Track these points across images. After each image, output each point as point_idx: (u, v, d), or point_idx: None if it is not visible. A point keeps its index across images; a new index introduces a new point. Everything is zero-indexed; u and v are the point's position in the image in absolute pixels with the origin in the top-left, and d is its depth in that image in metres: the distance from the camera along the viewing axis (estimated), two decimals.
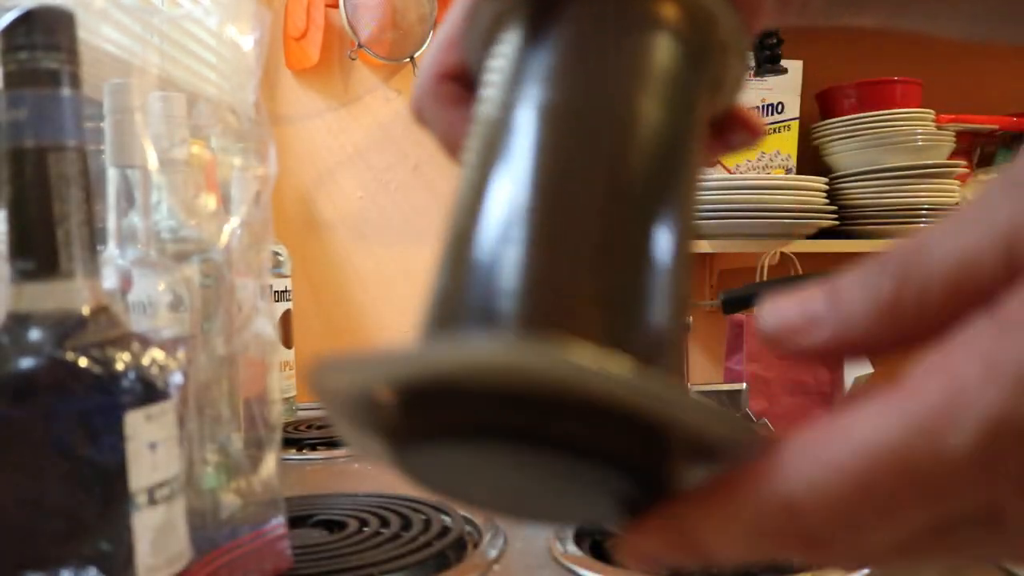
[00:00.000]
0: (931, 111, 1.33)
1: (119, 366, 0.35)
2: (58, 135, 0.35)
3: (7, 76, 0.35)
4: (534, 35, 0.24)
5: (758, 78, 1.29)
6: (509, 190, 0.22)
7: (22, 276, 0.36)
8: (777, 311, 0.20)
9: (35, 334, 0.35)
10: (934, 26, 0.38)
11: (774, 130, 1.33)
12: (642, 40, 0.24)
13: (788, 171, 1.33)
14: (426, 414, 0.20)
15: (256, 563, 0.50)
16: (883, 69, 1.38)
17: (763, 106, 1.32)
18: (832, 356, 0.20)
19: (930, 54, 1.49)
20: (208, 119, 0.56)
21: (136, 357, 0.36)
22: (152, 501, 0.36)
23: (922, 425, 0.17)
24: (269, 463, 0.52)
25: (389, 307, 1.41)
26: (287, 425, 1.05)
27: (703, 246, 1.24)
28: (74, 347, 0.35)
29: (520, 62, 0.24)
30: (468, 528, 0.64)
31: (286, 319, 1.11)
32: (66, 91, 0.36)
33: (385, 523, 0.64)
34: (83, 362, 0.34)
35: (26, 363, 0.34)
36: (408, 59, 1.37)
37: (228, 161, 0.58)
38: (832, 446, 0.17)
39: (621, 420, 0.18)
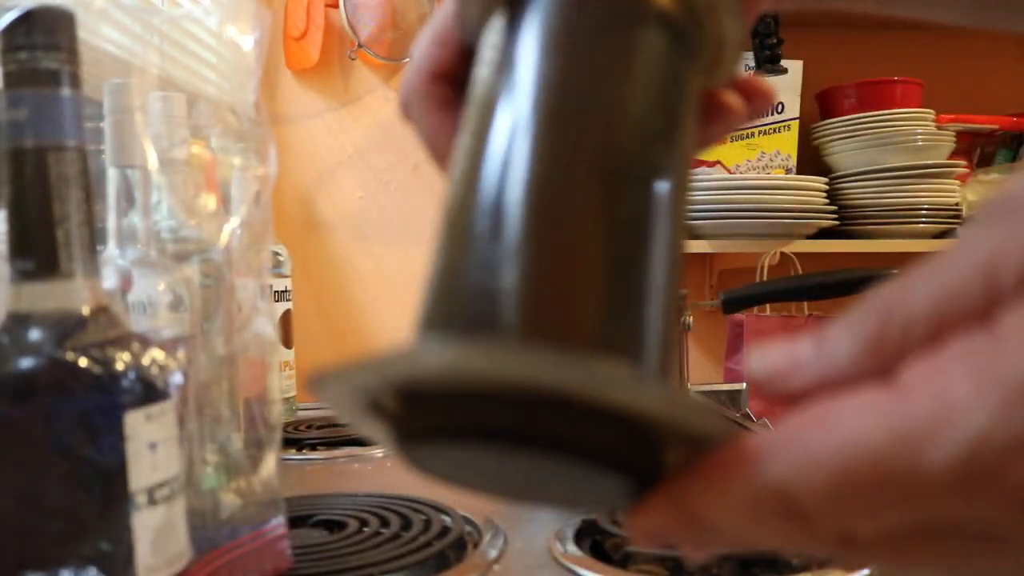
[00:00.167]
0: (931, 111, 1.33)
1: (119, 366, 0.35)
2: (58, 135, 0.35)
3: (7, 76, 0.35)
4: (520, 23, 0.24)
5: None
6: (502, 190, 0.22)
7: (22, 276, 0.36)
8: (765, 358, 0.21)
9: (35, 334, 0.35)
10: (929, 13, 0.38)
11: (774, 130, 1.33)
12: (630, 23, 0.24)
13: (788, 171, 1.33)
14: (425, 415, 0.20)
15: (256, 563, 0.50)
16: (883, 69, 1.38)
17: None
18: (817, 399, 0.20)
19: (930, 54, 1.49)
20: (208, 119, 0.56)
21: (136, 357, 0.36)
22: (152, 501, 0.36)
23: (905, 434, 0.17)
24: (269, 463, 0.52)
25: (389, 307, 1.41)
26: (287, 425, 1.05)
27: (703, 246, 1.24)
28: (74, 347, 0.35)
29: (508, 56, 0.24)
30: (468, 528, 0.64)
31: (286, 319, 1.11)
32: (66, 91, 0.35)
33: (385, 523, 0.64)
34: (83, 362, 0.34)
35: (26, 363, 0.34)
36: (408, 59, 1.36)
37: (228, 161, 0.58)
38: (819, 436, 0.18)
39: (617, 420, 0.19)
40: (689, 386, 1.17)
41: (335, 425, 1.07)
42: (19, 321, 0.35)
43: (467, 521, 0.65)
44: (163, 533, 0.36)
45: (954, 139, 1.35)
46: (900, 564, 0.20)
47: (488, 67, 0.24)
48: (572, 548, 0.59)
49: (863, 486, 0.17)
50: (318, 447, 0.97)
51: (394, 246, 1.42)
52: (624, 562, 0.58)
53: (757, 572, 0.55)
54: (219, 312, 0.51)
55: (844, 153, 1.35)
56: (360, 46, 1.34)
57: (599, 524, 0.62)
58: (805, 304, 1.27)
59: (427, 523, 0.64)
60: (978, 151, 1.47)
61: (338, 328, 1.41)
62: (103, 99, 0.48)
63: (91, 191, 0.37)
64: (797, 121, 1.33)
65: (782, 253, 1.26)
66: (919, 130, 1.31)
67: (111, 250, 0.49)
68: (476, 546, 0.61)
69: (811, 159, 1.38)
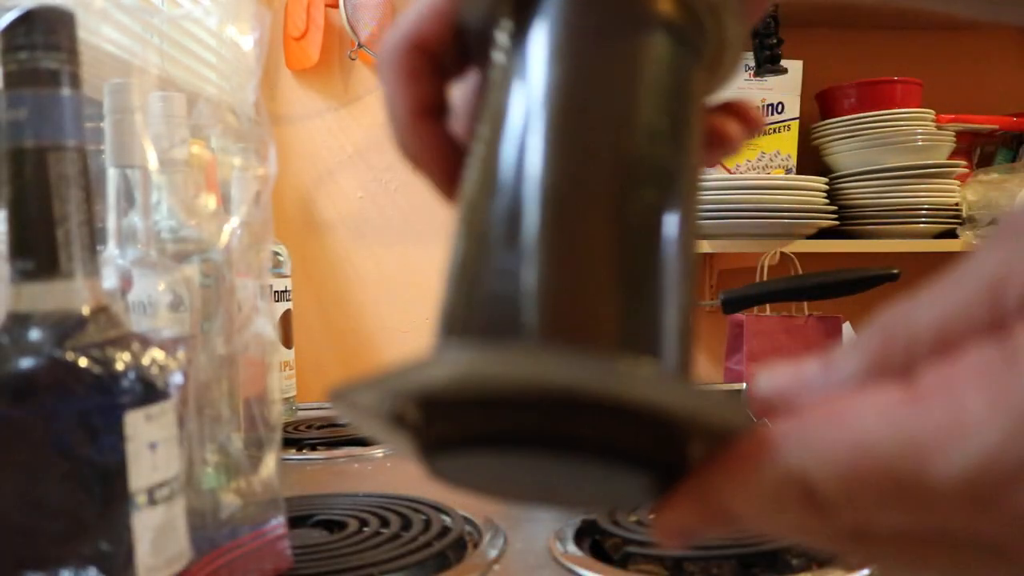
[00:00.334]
0: (931, 111, 1.33)
1: (119, 366, 0.35)
2: (58, 135, 0.35)
3: (7, 76, 0.35)
4: (528, 28, 0.24)
5: (758, 78, 1.29)
6: (517, 196, 0.22)
7: (22, 276, 0.36)
8: (772, 378, 0.21)
9: (35, 334, 0.35)
10: (937, 4, 0.38)
11: (774, 130, 1.33)
12: (635, 29, 0.24)
13: (788, 171, 1.33)
14: (448, 423, 0.20)
15: (256, 563, 0.50)
16: (883, 69, 1.38)
17: (763, 106, 1.32)
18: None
19: (930, 54, 1.49)
20: (208, 119, 0.56)
21: (136, 357, 0.36)
22: (152, 501, 0.36)
23: (915, 442, 0.17)
24: (269, 463, 0.52)
25: (389, 307, 1.41)
26: (287, 425, 1.05)
27: (703, 246, 1.24)
28: (74, 347, 0.35)
29: (517, 63, 0.24)
30: (468, 528, 0.64)
31: (286, 319, 1.11)
32: (66, 91, 0.35)
33: (385, 523, 0.64)
34: (83, 362, 0.34)
35: (26, 363, 0.34)
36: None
37: (228, 161, 0.58)
38: (835, 429, 0.18)
39: (641, 418, 0.19)
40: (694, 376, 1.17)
41: (335, 425, 1.07)
42: (19, 321, 0.35)
43: (467, 521, 0.65)
44: (163, 533, 0.36)
45: (954, 139, 1.35)
46: (912, 567, 0.20)
47: (499, 73, 0.24)
48: (572, 548, 0.59)
49: (872, 484, 0.18)
50: (318, 447, 0.97)
51: (394, 246, 1.42)
52: (624, 562, 0.58)
53: (757, 572, 0.55)
54: (219, 312, 0.51)
55: (844, 153, 1.35)
56: (360, 46, 1.34)
57: (599, 524, 0.62)
58: (805, 304, 1.27)
59: (427, 523, 0.64)
60: (978, 151, 1.47)
61: (338, 328, 1.41)
62: (103, 99, 0.48)
63: (91, 191, 0.37)
64: (797, 121, 1.33)
65: (782, 253, 1.26)
66: (919, 130, 1.31)
67: (111, 250, 0.49)
68: (476, 546, 0.61)
69: (811, 159, 1.38)
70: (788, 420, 0.19)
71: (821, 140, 1.38)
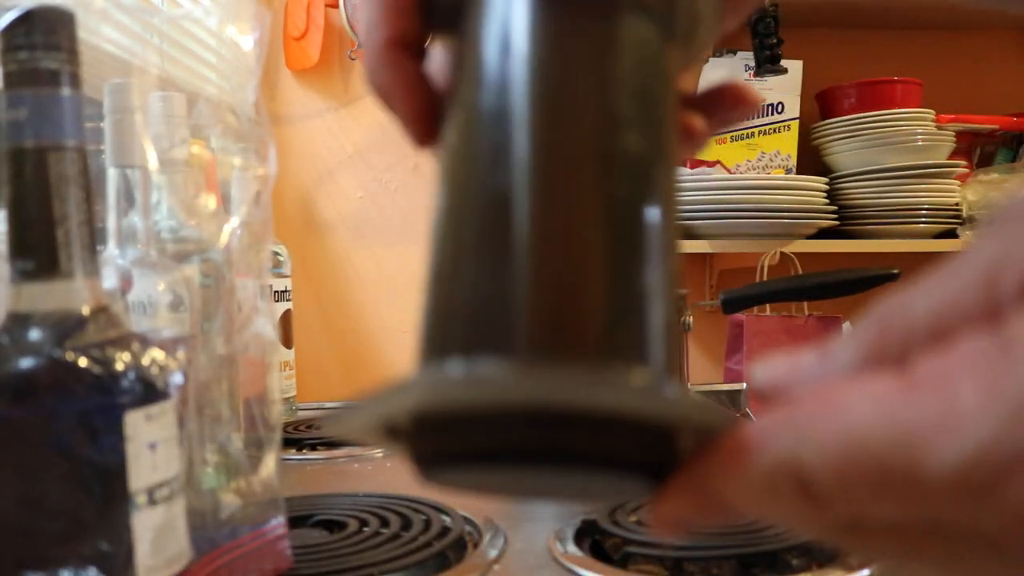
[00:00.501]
0: (931, 111, 1.33)
1: (119, 366, 0.35)
2: (58, 135, 0.35)
3: (7, 76, 0.35)
4: (494, 17, 0.23)
5: (758, 78, 1.29)
6: (496, 205, 0.21)
7: (22, 276, 0.35)
8: (769, 369, 0.21)
9: (35, 334, 0.35)
10: None
11: (774, 130, 1.33)
12: (606, 14, 0.23)
13: (788, 171, 1.33)
14: (436, 440, 0.21)
15: (256, 563, 0.50)
16: (883, 69, 1.38)
17: (763, 106, 1.32)
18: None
19: (930, 54, 1.49)
20: (208, 119, 0.56)
21: (136, 357, 0.36)
22: (152, 501, 0.36)
23: (908, 434, 0.17)
24: (269, 463, 0.52)
25: (389, 307, 1.41)
26: (287, 425, 1.05)
27: (703, 246, 1.24)
28: (74, 347, 0.35)
29: (485, 58, 0.23)
30: (468, 528, 0.64)
31: (286, 319, 1.11)
32: (66, 91, 0.35)
33: (385, 523, 0.64)
34: (83, 362, 0.34)
35: (26, 363, 0.34)
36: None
37: (228, 161, 0.58)
38: (827, 417, 0.18)
39: (630, 425, 0.19)
40: (689, 386, 1.17)
41: None
42: (19, 321, 0.35)
43: (467, 521, 0.65)
44: (163, 533, 0.36)
45: (954, 139, 1.35)
46: (907, 559, 0.20)
47: (467, 68, 0.24)
48: (572, 548, 0.59)
49: (865, 475, 0.18)
50: (318, 447, 0.97)
51: (394, 246, 1.41)
52: (624, 562, 0.58)
53: (757, 572, 0.55)
54: (219, 312, 0.51)
55: (844, 153, 1.35)
56: (360, 46, 1.34)
57: (599, 524, 0.62)
58: (805, 304, 1.27)
59: (427, 523, 0.64)
60: (978, 151, 1.47)
61: (338, 328, 1.41)
62: (103, 99, 0.48)
63: (91, 191, 0.37)
64: (797, 121, 1.33)
65: (782, 253, 1.26)
66: (919, 130, 1.31)
67: (111, 250, 0.49)
68: (476, 546, 0.61)
69: (811, 159, 1.38)
70: (781, 410, 0.19)
71: (821, 140, 1.38)
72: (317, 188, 1.41)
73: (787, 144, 1.34)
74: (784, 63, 1.24)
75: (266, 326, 0.53)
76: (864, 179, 1.32)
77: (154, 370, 0.37)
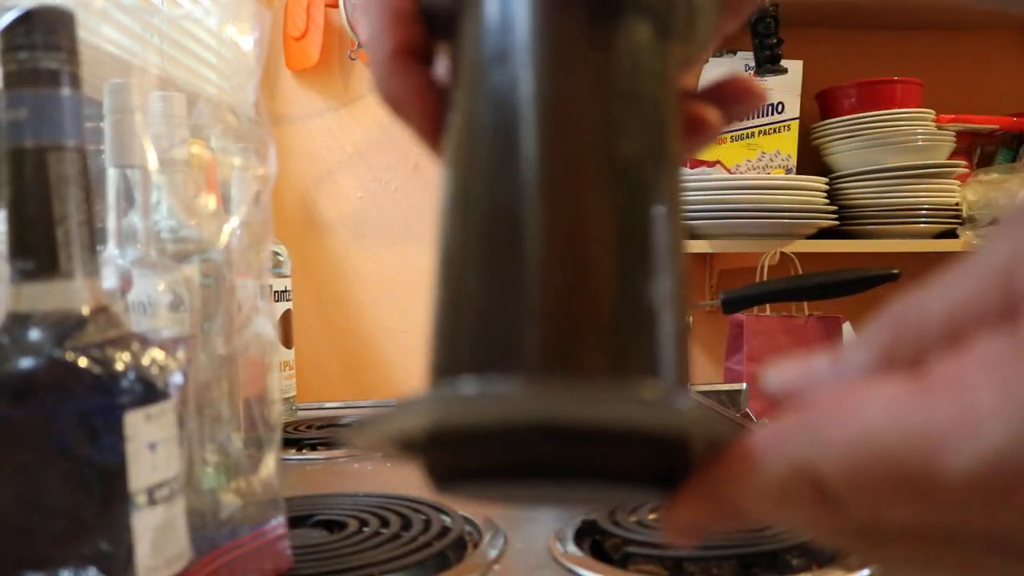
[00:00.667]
0: (931, 111, 1.33)
1: (119, 366, 0.35)
2: (58, 135, 0.35)
3: (7, 76, 0.35)
4: (493, 22, 0.23)
5: (758, 78, 1.29)
6: (503, 222, 0.21)
7: (22, 276, 0.35)
8: (780, 373, 0.21)
9: (35, 334, 0.35)
10: None
11: (774, 130, 1.33)
12: (606, 17, 0.23)
13: (788, 171, 1.33)
14: (455, 454, 0.21)
15: (256, 563, 0.50)
16: (883, 69, 1.38)
17: (763, 106, 1.32)
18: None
19: (930, 54, 1.49)
20: (208, 119, 0.56)
21: (136, 357, 0.36)
22: (152, 501, 0.36)
23: (923, 436, 0.17)
24: (269, 463, 0.52)
25: (389, 307, 1.41)
26: (287, 425, 1.05)
27: (703, 246, 1.24)
28: (74, 347, 0.35)
29: (486, 66, 0.23)
30: (468, 528, 0.64)
31: (286, 319, 1.11)
32: (66, 91, 0.35)
33: (385, 523, 0.64)
34: (83, 362, 0.34)
35: (26, 363, 0.34)
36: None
37: (228, 161, 0.58)
38: (841, 420, 0.18)
39: (644, 439, 0.19)
40: (690, 387, 1.17)
41: (335, 425, 1.07)
42: (19, 321, 0.35)
43: (467, 521, 0.65)
44: (163, 533, 0.36)
45: (954, 139, 1.35)
46: (922, 567, 0.20)
47: (463, 78, 0.24)
48: (572, 548, 0.59)
49: (880, 479, 0.17)
50: (318, 447, 0.97)
51: (394, 246, 1.41)
52: (624, 562, 0.58)
53: (757, 572, 0.55)
54: (219, 312, 0.51)
55: (844, 153, 1.35)
56: (360, 46, 1.34)
57: (599, 524, 0.62)
58: (805, 304, 1.27)
59: (427, 523, 0.64)
60: (978, 151, 1.47)
61: (338, 328, 1.41)
62: (103, 99, 0.48)
63: (91, 191, 0.37)
64: (797, 121, 1.33)
65: (782, 253, 1.26)
66: (919, 130, 1.31)
67: (111, 250, 0.49)
68: (476, 546, 0.61)
69: (811, 159, 1.38)
70: (794, 413, 0.19)
71: (821, 140, 1.38)
72: (317, 188, 1.41)
73: (787, 144, 1.34)
74: (784, 63, 1.24)
75: (266, 326, 0.53)
76: (864, 179, 1.32)
77: (154, 370, 0.37)
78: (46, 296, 0.35)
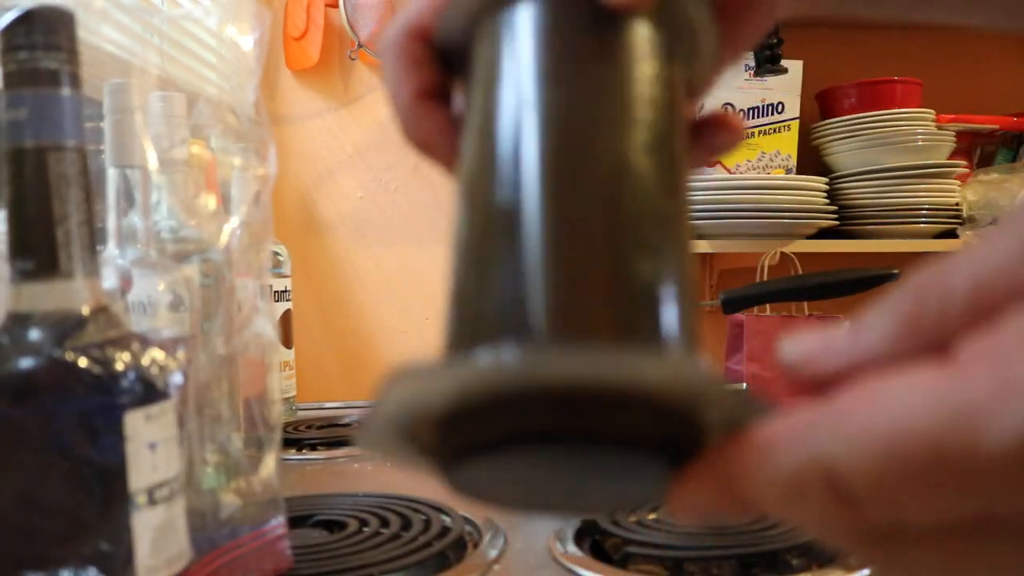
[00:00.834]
0: (931, 111, 1.33)
1: (119, 366, 0.35)
2: (58, 135, 0.35)
3: (7, 76, 0.35)
4: (509, 39, 0.24)
5: (758, 78, 1.29)
6: (514, 207, 0.22)
7: (22, 276, 0.35)
8: (799, 342, 0.20)
9: (35, 334, 0.35)
10: (957, 17, 0.38)
11: (774, 130, 1.33)
12: (619, 34, 0.24)
13: (788, 171, 1.33)
14: (465, 431, 0.21)
15: (256, 563, 0.50)
16: (883, 69, 1.38)
17: (763, 106, 1.32)
18: (852, 382, 0.19)
19: (930, 54, 1.49)
20: (208, 119, 0.56)
21: (136, 357, 0.36)
22: (152, 501, 0.36)
23: (962, 413, 0.16)
24: (269, 463, 0.52)
25: (389, 307, 1.41)
26: (287, 425, 1.05)
27: (703, 246, 1.24)
28: (74, 347, 0.35)
29: (505, 62, 0.24)
30: (468, 528, 0.64)
31: (286, 319, 1.11)
32: (66, 91, 0.35)
33: (385, 523, 0.64)
34: (83, 362, 0.34)
35: (26, 363, 0.34)
36: None
37: (228, 161, 0.58)
38: (871, 412, 0.17)
39: (654, 404, 0.19)
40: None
41: (335, 425, 1.07)
42: (19, 321, 0.35)
43: (467, 521, 0.65)
44: (163, 533, 0.36)
45: (954, 139, 1.35)
46: (945, 572, 0.19)
47: (481, 87, 0.25)
48: (572, 548, 0.59)
49: (915, 467, 0.16)
50: (318, 447, 0.97)
51: (394, 246, 1.41)
52: (624, 562, 0.58)
53: (757, 572, 0.55)
54: (219, 312, 0.51)
55: (844, 153, 1.35)
56: (360, 46, 1.34)
57: (599, 524, 0.62)
58: (805, 304, 1.27)
59: (427, 523, 0.64)
60: (978, 151, 1.47)
61: (338, 328, 1.41)
62: (103, 99, 0.48)
63: (91, 191, 0.37)
64: (797, 121, 1.33)
65: (782, 253, 1.26)
66: (919, 130, 1.31)
67: (111, 250, 0.49)
68: (476, 546, 0.61)
69: (811, 159, 1.38)
70: (817, 407, 0.18)
71: (821, 140, 1.38)
72: (317, 188, 1.41)
73: (787, 144, 1.34)
74: (784, 63, 1.24)
75: (266, 326, 0.53)
76: (864, 179, 1.32)
77: (154, 370, 0.37)
78: (46, 296, 0.35)
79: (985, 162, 1.47)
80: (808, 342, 0.20)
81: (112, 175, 0.48)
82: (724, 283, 1.39)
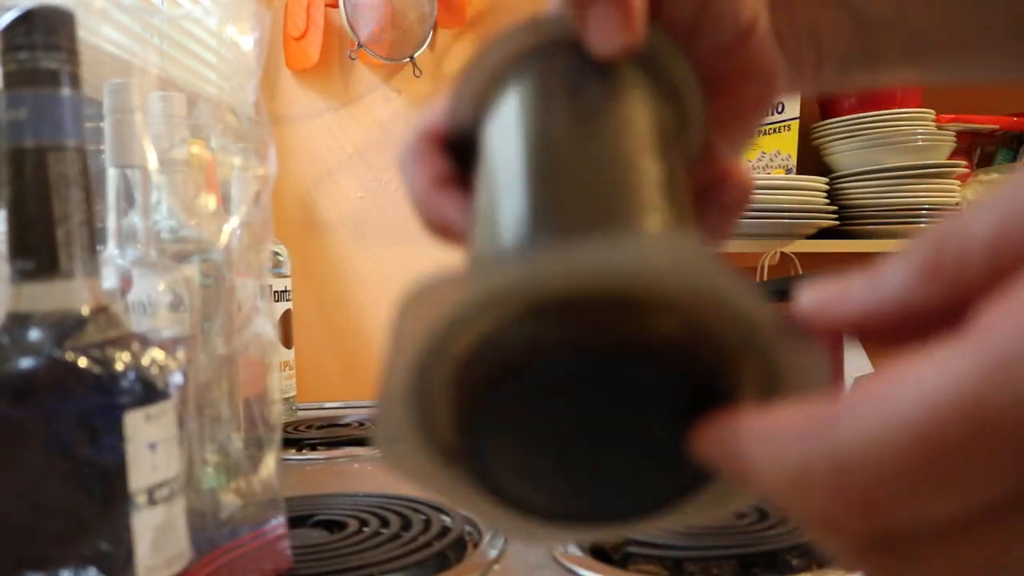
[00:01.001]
0: (931, 111, 1.33)
1: (119, 366, 0.35)
2: (58, 135, 0.35)
3: (7, 76, 0.35)
4: (506, 112, 0.26)
5: None
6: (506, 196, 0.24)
7: (22, 276, 0.36)
8: (815, 290, 0.20)
9: (35, 334, 0.35)
10: (961, 76, 0.38)
11: (774, 130, 1.33)
12: (604, 98, 0.26)
13: (788, 171, 1.33)
14: (487, 358, 0.20)
15: (256, 563, 0.50)
16: None
17: None
18: (869, 331, 0.19)
19: None
20: (208, 119, 0.56)
21: (136, 357, 0.36)
22: (152, 501, 0.36)
23: (1002, 368, 0.15)
24: (269, 463, 0.52)
25: (389, 307, 1.41)
26: (287, 425, 1.05)
27: None
28: (74, 347, 0.35)
29: (500, 138, 0.26)
30: (468, 528, 0.64)
31: (286, 319, 1.11)
32: (66, 91, 0.35)
33: (385, 523, 0.64)
34: (83, 362, 0.34)
35: (26, 363, 0.34)
36: (408, 59, 1.37)
37: (228, 161, 0.58)
38: (894, 398, 0.16)
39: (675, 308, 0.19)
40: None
41: (335, 425, 1.07)
42: (19, 321, 0.35)
43: (467, 521, 0.65)
44: (163, 533, 0.36)
45: (954, 139, 1.35)
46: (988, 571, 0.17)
47: (483, 161, 0.27)
48: (572, 548, 0.59)
49: (955, 441, 0.15)
50: (318, 447, 0.97)
51: (394, 246, 1.41)
52: (624, 562, 0.58)
53: (757, 572, 0.55)
54: (219, 312, 0.51)
55: (844, 153, 1.35)
56: (360, 46, 1.34)
57: None
58: None
59: (427, 523, 0.64)
60: (978, 151, 1.47)
61: (338, 328, 1.41)
62: (103, 99, 0.48)
63: (91, 191, 0.37)
64: (797, 121, 1.33)
65: (782, 253, 1.26)
66: (919, 130, 1.31)
67: (111, 250, 0.49)
68: (476, 546, 0.61)
69: (811, 159, 1.38)
70: (839, 402, 0.17)
71: (821, 140, 1.38)
72: (317, 188, 1.41)
73: (787, 144, 1.34)
74: None
75: (266, 326, 0.53)
76: (864, 179, 1.32)
77: (154, 370, 0.37)
78: (46, 296, 0.35)
79: (985, 162, 1.47)
80: (825, 289, 0.19)
81: (112, 175, 0.48)
82: None
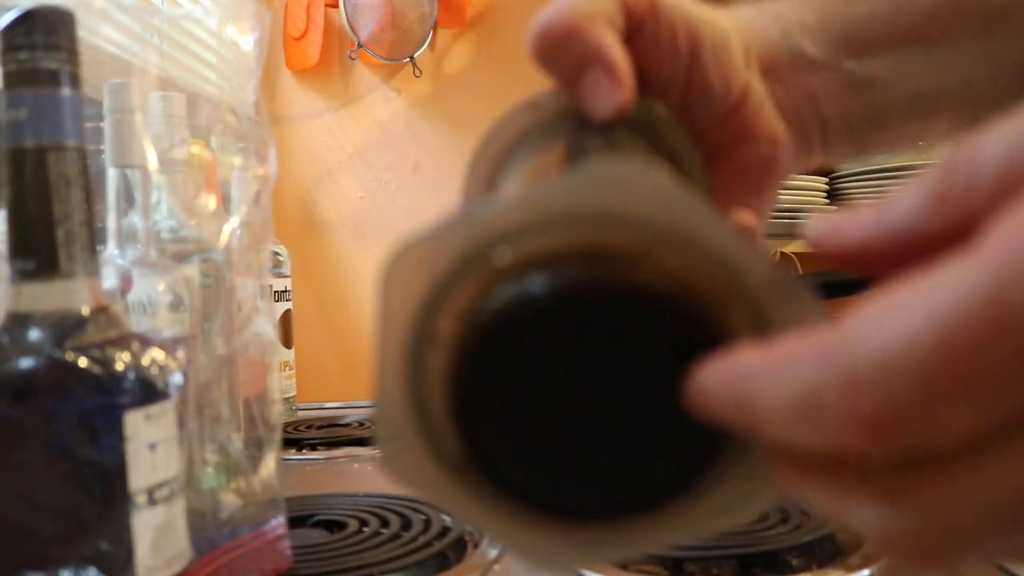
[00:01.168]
0: None
1: (119, 366, 0.35)
2: (58, 135, 0.35)
3: (7, 76, 0.35)
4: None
5: None
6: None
7: (22, 276, 0.35)
8: (824, 222, 0.19)
9: (35, 334, 0.35)
10: (975, 128, 0.38)
11: None
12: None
13: None
14: (488, 303, 0.19)
15: (256, 563, 0.50)
16: None
17: None
18: (879, 257, 0.18)
19: None
20: (208, 119, 0.56)
21: (136, 357, 0.36)
22: (152, 501, 0.36)
23: (1020, 271, 0.14)
24: (269, 463, 0.52)
25: None
26: (287, 425, 1.05)
27: None
28: (74, 347, 0.35)
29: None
30: (468, 528, 0.64)
31: (286, 319, 1.11)
32: (66, 91, 0.35)
33: (385, 523, 0.64)
34: (83, 362, 0.34)
35: (26, 363, 0.34)
36: (408, 59, 1.37)
37: (228, 161, 0.58)
38: (907, 309, 0.15)
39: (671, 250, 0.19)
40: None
41: (335, 425, 1.07)
42: (19, 321, 0.35)
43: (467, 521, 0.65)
44: (163, 533, 0.36)
45: None
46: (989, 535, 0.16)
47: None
48: None
49: (973, 342, 0.14)
50: (318, 447, 0.97)
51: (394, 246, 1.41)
52: (624, 562, 0.58)
53: (757, 572, 0.55)
54: (219, 312, 0.51)
55: None
56: (360, 46, 1.34)
57: None
58: None
59: (427, 523, 0.64)
60: None
61: (338, 328, 1.41)
62: (103, 99, 0.48)
63: (91, 191, 0.37)
64: None
65: (782, 253, 1.26)
66: None
67: (111, 250, 0.49)
68: (476, 546, 0.61)
69: None
70: (846, 320, 0.16)
71: None
72: (317, 188, 1.41)
73: None
74: None
75: (266, 326, 0.53)
76: (864, 179, 1.32)
77: (154, 370, 0.37)
78: (46, 296, 0.35)
79: None
80: (835, 216, 0.19)
81: (112, 175, 0.48)
82: None
